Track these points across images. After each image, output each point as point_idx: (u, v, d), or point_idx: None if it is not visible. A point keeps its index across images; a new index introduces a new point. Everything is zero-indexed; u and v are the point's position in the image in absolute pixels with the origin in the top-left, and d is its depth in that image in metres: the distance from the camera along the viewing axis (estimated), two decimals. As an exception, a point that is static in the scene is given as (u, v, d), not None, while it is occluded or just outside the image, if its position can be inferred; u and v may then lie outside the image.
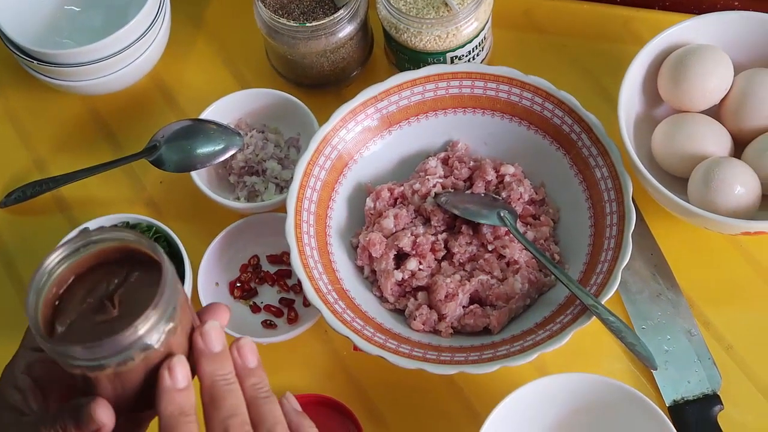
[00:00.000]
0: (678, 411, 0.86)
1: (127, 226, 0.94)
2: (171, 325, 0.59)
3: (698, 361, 0.89)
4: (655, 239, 0.94)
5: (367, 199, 0.93)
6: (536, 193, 0.93)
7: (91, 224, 0.93)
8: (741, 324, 0.91)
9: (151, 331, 0.58)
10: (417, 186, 0.93)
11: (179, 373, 0.60)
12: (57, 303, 0.61)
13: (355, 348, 0.84)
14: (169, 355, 0.60)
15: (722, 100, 0.94)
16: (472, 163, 0.95)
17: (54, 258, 0.60)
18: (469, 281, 0.88)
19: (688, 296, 0.92)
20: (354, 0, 0.96)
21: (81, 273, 0.61)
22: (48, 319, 0.60)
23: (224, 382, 0.61)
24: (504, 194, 0.92)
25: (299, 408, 0.66)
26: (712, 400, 0.86)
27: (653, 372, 0.88)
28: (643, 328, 0.91)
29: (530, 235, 0.91)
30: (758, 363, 0.89)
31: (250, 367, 0.63)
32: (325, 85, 1.03)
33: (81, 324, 0.60)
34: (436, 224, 0.91)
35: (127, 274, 0.61)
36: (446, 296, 0.87)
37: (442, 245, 0.90)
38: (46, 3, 1.06)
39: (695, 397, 0.87)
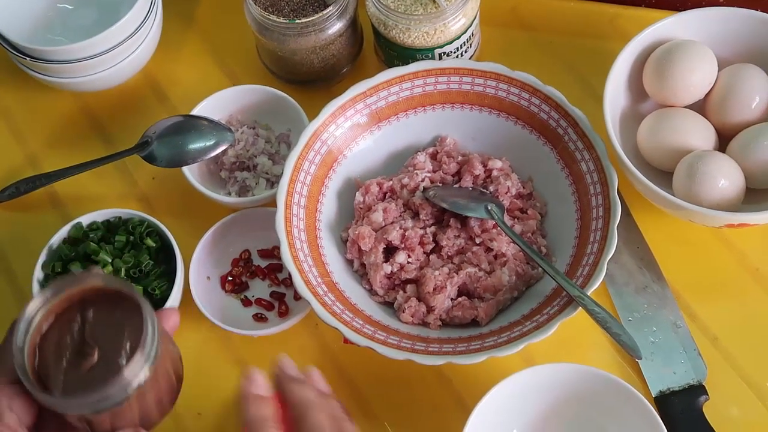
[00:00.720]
0: (664, 401, 0.88)
1: (120, 220, 0.95)
2: (157, 358, 0.63)
3: (684, 352, 0.90)
4: (641, 232, 0.96)
5: (357, 194, 0.94)
6: (524, 187, 0.95)
7: (84, 219, 0.94)
8: (726, 315, 0.92)
9: (142, 369, 0.62)
10: (406, 180, 0.94)
11: (260, 379, 0.68)
12: (37, 350, 0.63)
13: (345, 341, 0.85)
14: (157, 382, 0.64)
15: (706, 95, 0.95)
16: (460, 158, 0.96)
17: (32, 308, 0.63)
18: (457, 274, 0.89)
19: (674, 288, 0.93)
20: (343, -3, 0.97)
21: (56, 319, 0.64)
22: (32, 366, 0.63)
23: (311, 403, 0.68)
24: (492, 188, 0.93)
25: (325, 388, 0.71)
26: (697, 390, 0.88)
27: (639, 363, 0.89)
28: (630, 320, 0.92)
29: (518, 228, 0.92)
30: (743, 354, 0.90)
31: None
32: (316, 82, 1.04)
33: (69, 372, 0.63)
34: (424, 218, 0.92)
35: (100, 313, 0.64)
36: (435, 289, 0.88)
37: (431, 238, 0.92)
38: (39, 1, 1.07)
39: (681, 388, 0.88)
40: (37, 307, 0.64)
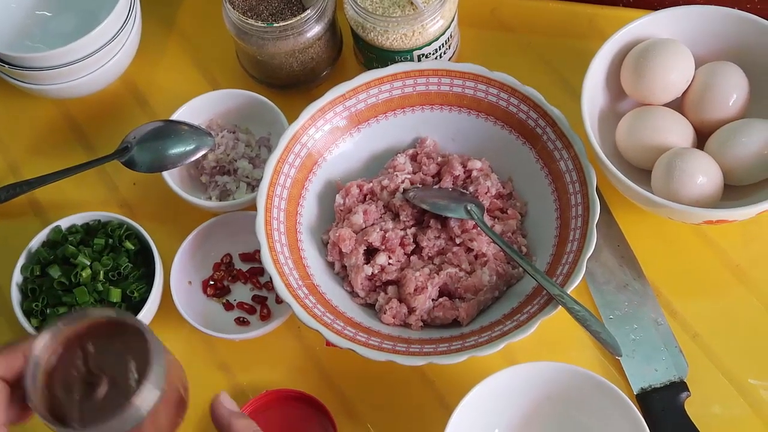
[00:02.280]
0: (646, 398, 0.88)
1: (99, 223, 0.95)
2: (164, 377, 0.64)
3: (665, 350, 0.90)
4: (621, 231, 0.96)
5: (337, 196, 0.95)
6: (503, 187, 0.95)
7: (63, 222, 0.94)
8: (707, 312, 0.92)
9: (152, 390, 0.63)
10: (386, 182, 0.94)
11: (229, 403, 0.70)
12: (47, 389, 0.65)
13: (328, 343, 0.85)
14: (168, 399, 0.66)
15: (684, 93, 0.95)
16: (440, 159, 0.96)
17: (37, 349, 0.65)
18: (438, 274, 0.89)
19: (655, 286, 0.93)
20: (321, 0, 0.97)
21: (59, 357, 0.66)
22: (46, 404, 0.64)
23: None
24: (471, 188, 0.93)
25: (236, 408, 0.71)
26: (679, 387, 0.88)
27: (621, 360, 0.90)
28: (611, 318, 0.92)
29: (498, 228, 0.92)
30: (724, 350, 0.90)
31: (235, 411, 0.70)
32: (296, 86, 1.04)
33: (84, 404, 0.65)
34: (405, 219, 0.93)
35: (101, 343, 0.66)
36: (415, 289, 0.88)
37: (411, 239, 0.92)
38: (18, 8, 1.07)
39: (662, 385, 0.88)
40: (42, 348, 0.65)
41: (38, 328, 0.90)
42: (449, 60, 1.03)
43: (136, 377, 0.65)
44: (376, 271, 0.90)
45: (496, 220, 0.93)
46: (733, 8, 0.96)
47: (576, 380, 0.83)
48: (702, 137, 0.94)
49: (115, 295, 0.91)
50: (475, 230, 0.91)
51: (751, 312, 0.91)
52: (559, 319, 0.85)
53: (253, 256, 0.97)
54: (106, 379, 0.65)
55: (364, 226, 0.92)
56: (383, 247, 0.91)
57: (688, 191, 0.88)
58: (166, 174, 0.97)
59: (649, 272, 0.94)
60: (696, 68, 0.95)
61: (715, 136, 0.92)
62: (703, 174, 0.88)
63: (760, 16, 0.95)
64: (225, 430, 0.69)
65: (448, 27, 0.98)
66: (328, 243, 0.93)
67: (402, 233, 0.92)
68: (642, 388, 0.88)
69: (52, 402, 0.65)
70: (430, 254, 0.91)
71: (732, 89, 0.93)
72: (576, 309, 0.83)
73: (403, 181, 0.94)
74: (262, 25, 0.96)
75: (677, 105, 0.96)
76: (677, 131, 0.93)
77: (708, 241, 0.95)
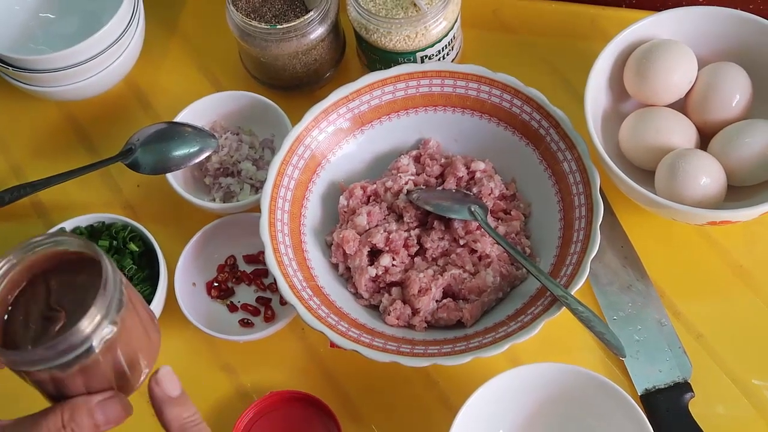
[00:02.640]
0: (650, 399, 0.88)
1: (103, 225, 0.95)
2: (121, 311, 0.61)
3: (669, 350, 0.90)
4: (625, 232, 0.96)
5: (341, 197, 0.95)
6: (507, 189, 0.95)
7: (67, 224, 0.94)
8: (710, 313, 0.92)
9: (103, 320, 0.60)
10: (389, 183, 0.94)
11: (168, 383, 0.63)
12: (6, 319, 0.63)
13: (332, 344, 0.85)
14: (128, 334, 0.62)
15: (687, 94, 0.95)
16: (443, 160, 0.96)
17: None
18: (441, 275, 0.89)
19: (658, 287, 0.93)
20: (324, 2, 0.97)
21: (20, 289, 0.64)
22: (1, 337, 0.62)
23: (192, 424, 0.64)
24: (475, 190, 0.94)
25: (175, 389, 0.66)
26: (683, 387, 0.88)
27: (625, 361, 0.90)
28: (615, 319, 0.92)
29: (501, 229, 0.92)
30: (728, 350, 0.90)
31: (173, 396, 0.65)
32: (299, 87, 1.04)
33: (38, 338, 0.62)
34: (408, 220, 0.93)
35: (64, 277, 0.64)
36: (419, 291, 0.89)
37: (415, 241, 0.92)
38: (21, 10, 1.07)
39: (666, 386, 0.88)
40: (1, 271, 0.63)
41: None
42: (452, 61, 1.03)
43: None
44: (380, 273, 0.90)
45: (499, 221, 0.93)
46: (736, 9, 0.96)
47: (580, 381, 0.83)
48: (705, 138, 0.94)
49: (119, 297, 0.91)
50: (478, 231, 0.91)
51: (754, 313, 0.92)
52: (564, 320, 0.85)
53: (257, 258, 0.97)
54: (64, 314, 0.63)
55: (367, 228, 0.93)
56: (387, 248, 0.91)
57: (691, 192, 0.88)
58: (169, 176, 0.97)
59: (652, 273, 0.94)
60: (699, 69, 0.95)
61: (719, 136, 0.92)
62: (706, 175, 0.88)
63: (762, 17, 0.95)
64: (157, 415, 0.65)
65: (451, 28, 0.99)
66: (332, 244, 0.93)
67: (406, 234, 0.92)
68: (646, 389, 0.88)
69: (7, 334, 0.63)
70: (434, 255, 0.92)
71: (735, 90, 0.93)
72: (580, 310, 0.83)
73: (406, 183, 0.94)
74: (266, 26, 0.97)
75: (680, 106, 0.96)
76: (680, 132, 0.93)
77: (711, 242, 0.95)
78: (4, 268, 0.63)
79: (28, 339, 0.62)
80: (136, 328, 0.64)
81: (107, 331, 0.61)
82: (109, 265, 0.62)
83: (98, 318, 0.60)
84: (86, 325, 0.60)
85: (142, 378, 0.66)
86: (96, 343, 0.61)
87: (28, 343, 0.62)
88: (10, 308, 0.64)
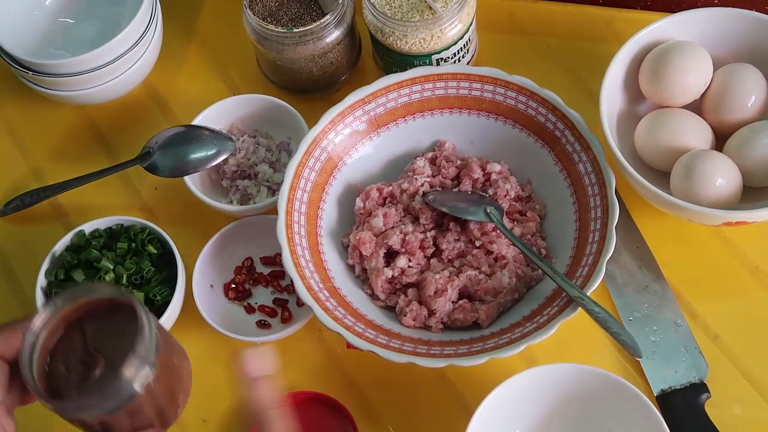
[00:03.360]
0: (666, 400, 0.88)
1: (122, 228, 0.96)
2: (158, 354, 0.65)
3: (685, 351, 0.90)
4: (641, 233, 0.96)
5: (357, 199, 0.95)
6: (522, 190, 0.95)
7: (86, 227, 0.95)
8: (726, 313, 0.92)
9: (142, 365, 0.64)
10: (405, 185, 0.95)
11: (263, 361, 0.67)
12: (47, 366, 0.66)
13: (349, 345, 0.86)
14: (166, 372, 0.66)
15: (703, 95, 0.96)
16: (459, 162, 0.97)
17: (36, 326, 0.66)
18: (457, 277, 0.90)
19: (674, 287, 0.94)
20: (340, 5, 0.98)
21: (59, 335, 0.67)
22: (43, 382, 0.65)
23: (273, 405, 0.66)
24: (491, 191, 0.94)
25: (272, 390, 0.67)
26: (699, 388, 0.88)
27: (641, 362, 0.90)
28: (630, 319, 0.92)
29: (517, 230, 0.92)
30: (744, 351, 0.90)
31: (263, 375, 0.67)
32: (315, 90, 1.05)
33: (81, 384, 0.66)
34: (424, 222, 0.93)
35: (100, 323, 0.67)
36: (435, 292, 0.89)
37: (431, 242, 0.92)
38: (41, 16, 1.08)
39: (682, 386, 0.88)
40: (40, 325, 0.66)
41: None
42: (468, 64, 1.03)
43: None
44: (396, 274, 0.91)
45: (515, 222, 0.94)
46: (751, 10, 0.96)
47: (596, 381, 0.84)
48: (721, 139, 0.94)
49: (138, 298, 0.91)
50: (494, 233, 0.92)
51: (771, 313, 0.92)
52: (579, 321, 0.85)
53: (274, 260, 0.98)
54: (102, 359, 0.66)
55: (384, 230, 0.93)
56: (403, 249, 0.91)
57: (707, 193, 0.88)
58: (187, 178, 0.97)
59: (668, 274, 0.94)
60: (714, 70, 0.95)
61: (734, 137, 0.92)
62: (722, 175, 0.88)
63: (777, 17, 0.95)
64: (241, 391, 0.66)
65: (467, 31, 0.99)
66: (348, 246, 0.94)
67: (422, 236, 0.92)
68: (662, 390, 0.89)
69: (50, 381, 0.65)
70: (449, 257, 0.92)
71: (750, 91, 0.93)
72: (596, 311, 0.84)
73: (422, 185, 0.95)
74: (282, 30, 0.97)
75: (696, 107, 0.96)
76: (696, 133, 0.93)
77: (727, 243, 0.95)
78: (44, 320, 0.66)
79: (71, 385, 0.65)
80: (171, 364, 0.68)
81: (147, 373, 0.64)
82: (143, 314, 0.65)
83: (139, 363, 0.64)
84: (129, 372, 0.63)
85: (180, 409, 0.69)
86: (138, 386, 0.64)
87: (71, 389, 0.65)
88: (49, 357, 0.67)
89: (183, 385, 0.70)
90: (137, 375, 0.63)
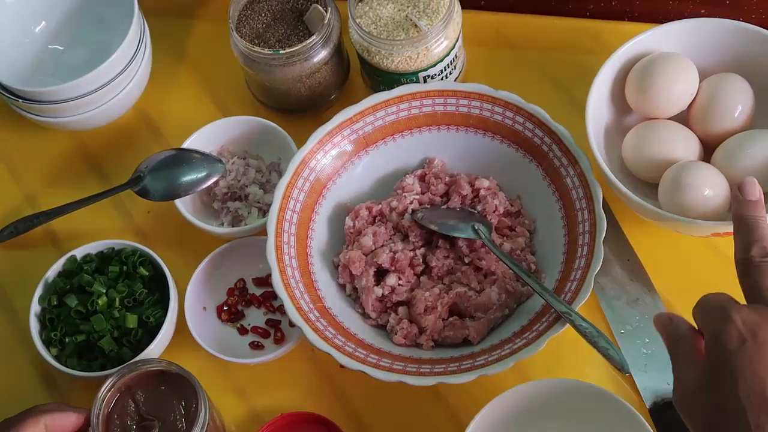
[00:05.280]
0: (659, 412, 0.88)
1: (113, 251, 0.96)
2: (207, 419, 0.82)
3: (677, 363, 0.90)
4: (631, 245, 0.96)
5: (347, 218, 0.96)
6: (512, 205, 0.95)
7: (78, 252, 0.96)
8: (718, 324, 0.92)
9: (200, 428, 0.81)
10: (394, 203, 0.95)
11: (751, 187, 0.76)
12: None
13: (341, 365, 0.86)
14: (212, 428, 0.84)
15: (689, 106, 0.96)
16: (448, 179, 0.97)
17: (100, 400, 0.81)
18: (447, 294, 0.90)
19: (666, 299, 0.94)
20: (326, 25, 0.98)
21: (115, 402, 0.82)
22: None
23: (752, 220, 0.75)
24: (479, 207, 0.94)
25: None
26: (692, 400, 0.88)
27: (633, 375, 0.90)
28: (622, 332, 0.92)
29: (506, 246, 0.92)
30: (736, 362, 0.90)
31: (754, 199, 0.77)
32: (305, 110, 1.06)
33: None
34: (413, 240, 0.93)
35: (151, 391, 0.83)
36: (425, 309, 0.89)
37: (421, 260, 0.93)
38: (31, 44, 1.09)
39: (675, 398, 0.88)
40: (102, 400, 0.81)
41: (57, 357, 0.92)
42: (456, 80, 1.04)
43: (183, 418, 0.81)
44: (387, 293, 0.91)
45: (504, 238, 0.94)
46: (737, 20, 0.96)
47: (587, 396, 0.84)
48: (708, 149, 0.94)
49: (132, 321, 0.92)
50: (483, 249, 0.92)
51: (762, 323, 0.91)
52: (572, 335, 0.85)
53: (267, 281, 0.98)
54: (157, 422, 0.81)
55: (373, 248, 0.93)
56: (393, 268, 0.92)
57: (695, 204, 0.88)
58: (178, 202, 0.98)
59: (659, 286, 0.94)
60: (701, 81, 0.95)
61: (722, 147, 0.92)
62: (709, 186, 0.88)
63: (763, 28, 0.95)
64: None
65: (453, 47, 0.99)
66: (339, 265, 0.94)
67: (411, 254, 0.92)
68: (655, 402, 0.88)
69: None
70: (439, 274, 0.92)
71: (737, 101, 0.93)
72: (583, 326, 0.84)
73: (411, 202, 0.95)
74: (269, 52, 0.98)
75: (683, 118, 0.96)
76: (683, 144, 0.93)
77: (718, 253, 0.95)
78: (107, 389, 0.81)
79: None
80: (214, 426, 0.84)
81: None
82: (198, 387, 0.82)
83: (201, 425, 0.81)
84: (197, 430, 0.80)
85: None
86: None
87: None
88: (108, 415, 0.81)
89: None
90: None
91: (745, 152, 0.90)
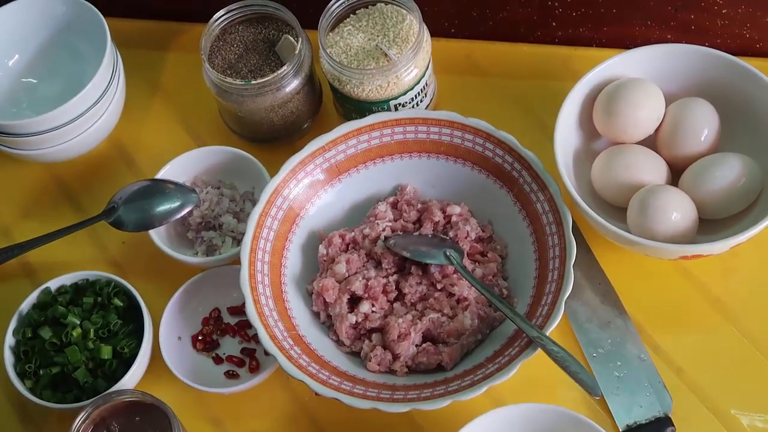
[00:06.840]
0: (632, 435, 0.89)
1: (87, 282, 0.97)
2: None
3: (649, 385, 0.91)
4: (602, 268, 0.97)
5: (320, 246, 0.96)
6: (483, 231, 0.96)
7: (52, 283, 0.96)
8: (689, 346, 0.93)
9: None
10: (367, 231, 0.96)
11: None
12: None
13: (316, 393, 0.86)
14: None
15: (656, 130, 0.97)
16: (420, 206, 0.98)
17: (78, 422, 0.84)
18: (420, 320, 0.91)
19: (637, 322, 0.94)
20: (297, 55, 0.99)
21: (92, 430, 0.85)
22: None
23: None
24: (451, 234, 0.95)
25: None
26: (663, 422, 0.89)
27: (606, 398, 0.90)
28: (594, 356, 0.93)
29: (479, 271, 0.93)
30: (707, 382, 0.91)
31: None
32: (278, 139, 1.06)
33: None
34: (387, 267, 0.94)
35: (126, 420, 0.85)
36: (399, 336, 0.90)
37: (394, 287, 0.93)
38: (4, 77, 1.09)
39: (647, 421, 0.89)
40: (79, 425, 0.84)
41: (32, 390, 0.92)
42: (427, 107, 1.05)
43: None
44: (360, 320, 0.92)
45: (476, 263, 0.95)
46: (702, 45, 0.98)
47: (559, 420, 0.84)
48: (676, 173, 0.95)
49: (106, 352, 0.92)
50: (455, 275, 0.93)
51: (731, 343, 0.92)
52: (546, 358, 0.86)
53: (241, 310, 0.98)
54: None
55: (347, 275, 0.94)
56: (366, 295, 0.92)
57: (662, 228, 0.89)
58: (152, 232, 0.98)
59: (631, 309, 0.95)
60: (667, 105, 0.97)
61: (689, 171, 0.94)
62: (676, 210, 0.90)
63: (728, 52, 0.96)
64: None
65: (423, 75, 1.00)
66: (312, 293, 0.95)
67: (384, 281, 0.93)
68: (627, 425, 0.89)
69: None
70: (412, 300, 0.93)
71: (703, 124, 0.95)
72: (555, 350, 0.84)
73: (384, 230, 0.96)
74: (241, 82, 0.99)
75: (650, 142, 0.97)
76: (651, 168, 0.94)
77: (688, 276, 0.96)
78: (80, 423, 0.84)
79: None
80: None
81: None
82: (172, 417, 0.84)
83: None
84: None
85: None
86: None
87: None
88: None
89: None
90: None
91: (712, 175, 0.92)
